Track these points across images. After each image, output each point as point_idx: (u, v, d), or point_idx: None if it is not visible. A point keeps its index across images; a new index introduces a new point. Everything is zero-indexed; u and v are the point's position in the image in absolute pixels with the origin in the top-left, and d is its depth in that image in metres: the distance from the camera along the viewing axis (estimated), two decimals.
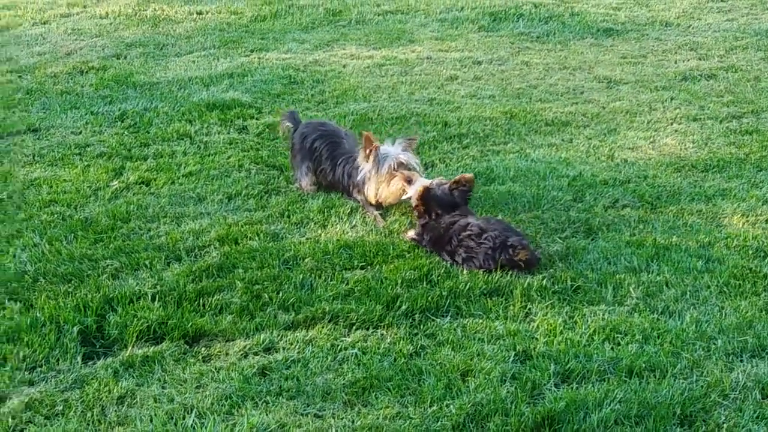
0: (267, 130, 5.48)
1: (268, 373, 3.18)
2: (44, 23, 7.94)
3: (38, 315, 3.46)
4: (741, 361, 3.19)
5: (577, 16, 7.72)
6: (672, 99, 5.84)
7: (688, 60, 6.61)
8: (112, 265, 3.88)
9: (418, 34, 7.44)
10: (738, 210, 4.32)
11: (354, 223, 4.30)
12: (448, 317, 3.50)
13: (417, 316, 3.50)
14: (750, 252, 3.93)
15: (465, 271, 3.81)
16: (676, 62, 6.57)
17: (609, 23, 7.54)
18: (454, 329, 3.42)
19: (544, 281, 3.74)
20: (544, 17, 7.71)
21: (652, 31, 7.37)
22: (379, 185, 4.37)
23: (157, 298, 3.59)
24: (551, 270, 3.83)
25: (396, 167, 4.33)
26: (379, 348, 3.31)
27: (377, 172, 4.36)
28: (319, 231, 4.24)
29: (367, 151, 4.39)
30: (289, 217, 4.39)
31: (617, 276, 3.78)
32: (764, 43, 6.90)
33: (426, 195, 4.14)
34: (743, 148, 5.04)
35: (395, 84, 6.28)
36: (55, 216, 4.36)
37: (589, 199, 4.48)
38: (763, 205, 4.37)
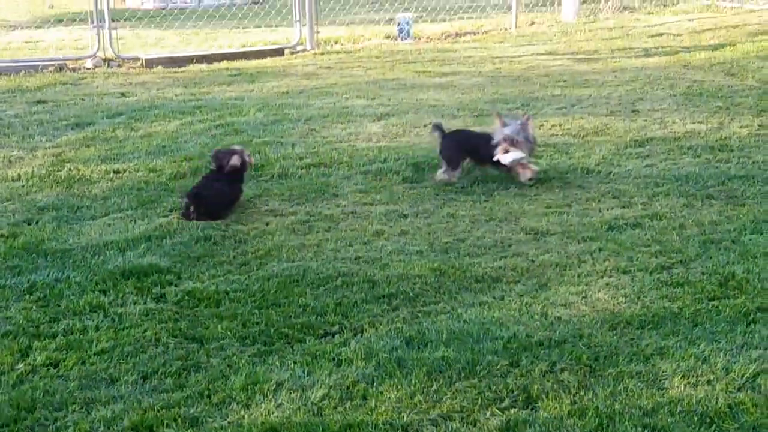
0: (186, 297, 5.23)
1: None
2: None
3: None
4: None
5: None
6: (600, 250, 5.79)
7: (612, 208, 6.62)
8: None
9: (342, 187, 7.35)
10: (678, 371, 4.19)
11: (280, 401, 4.04)
12: None
13: None
14: (695, 419, 3.77)
15: None
16: (600, 211, 6.57)
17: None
18: None
19: None
20: (466, 166, 7.71)
21: (575, 178, 7.42)
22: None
23: None
24: None
25: (503, 141, 7.10)
26: None
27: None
28: (243, 412, 3.96)
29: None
30: (209, 397, 4.11)
31: None
32: (685, 189, 6.98)
33: None
34: (676, 301, 4.96)
35: (320, 241, 6.12)
36: None
37: (525, 363, 4.31)
38: (702, 364, 4.24)
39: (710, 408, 3.84)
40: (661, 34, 16.05)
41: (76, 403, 4.05)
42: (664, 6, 19.88)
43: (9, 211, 6.91)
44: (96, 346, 4.63)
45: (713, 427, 3.71)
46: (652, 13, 19.16)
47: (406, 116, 9.84)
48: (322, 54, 15.29)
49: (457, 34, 17.04)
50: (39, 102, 11.23)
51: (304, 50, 15.72)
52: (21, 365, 4.43)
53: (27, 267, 5.72)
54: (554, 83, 11.69)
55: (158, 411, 3.97)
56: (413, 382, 4.17)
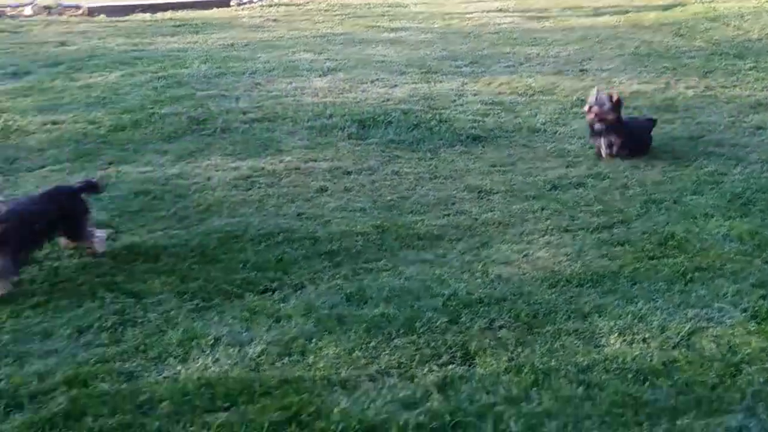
0: (124, 251, 5.14)
1: None
2: None
3: None
4: None
5: (446, 123, 7.72)
6: (543, 209, 5.80)
7: (556, 168, 6.64)
8: None
9: (286, 142, 7.26)
10: (614, 328, 4.23)
11: (217, 356, 4.00)
12: None
13: None
14: (629, 376, 3.81)
15: (336, 410, 3.54)
16: (544, 170, 6.58)
17: (478, 130, 7.56)
18: None
19: (421, 417, 3.52)
20: (412, 124, 7.67)
21: (520, 137, 7.42)
22: None
23: None
24: (428, 404, 3.62)
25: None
26: None
27: None
28: (179, 367, 3.91)
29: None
30: (145, 352, 4.05)
31: (497, 408, 3.59)
32: None
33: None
34: (616, 260, 5.00)
35: (262, 197, 6.04)
36: None
37: (465, 320, 4.32)
38: (638, 322, 4.29)
39: (645, 365, 3.89)
40: None
41: (10, 356, 3.97)
42: None
43: None
44: (31, 299, 4.54)
45: (647, 384, 3.75)
46: None
47: (353, 71, 9.75)
48: (270, 6, 15.06)
49: None
50: None
51: (251, 2, 15.46)
52: None
53: None
54: (504, 41, 11.66)
55: (93, 365, 3.90)
56: (352, 338, 4.15)
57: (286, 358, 4.00)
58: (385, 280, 4.77)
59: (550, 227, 5.51)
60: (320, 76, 9.57)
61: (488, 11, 14.32)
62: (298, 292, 4.68)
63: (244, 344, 4.12)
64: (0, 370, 3.87)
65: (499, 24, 13.11)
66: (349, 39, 11.87)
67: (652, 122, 7.35)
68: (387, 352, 4.03)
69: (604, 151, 6.89)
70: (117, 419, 3.49)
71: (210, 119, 7.82)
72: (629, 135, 6.91)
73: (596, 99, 6.86)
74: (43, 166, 6.64)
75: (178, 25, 12.91)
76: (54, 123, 7.70)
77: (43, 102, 8.39)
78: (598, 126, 6.87)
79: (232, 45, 11.37)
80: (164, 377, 3.83)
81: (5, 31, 12.30)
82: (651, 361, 3.94)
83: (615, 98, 6.86)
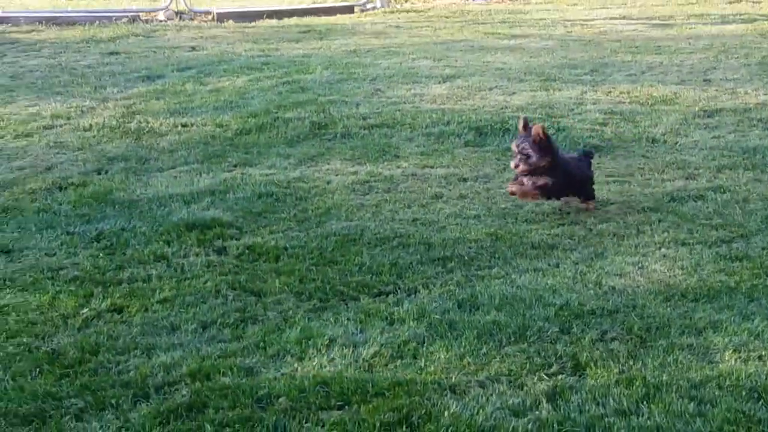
0: (247, 252, 5.36)
1: None
2: (27, 136, 7.88)
3: None
4: None
5: (563, 131, 7.71)
6: (660, 221, 5.75)
7: (676, 179, 6.55)
8: (76, 404, 3.69)
9: (403, 148, 7.40)
10: (730, 345, 4.17)
11: (332, 356, 4.14)
12: None
13: None
14: (743, 393, 3.76)
15: (446, 413, 3.63)
16: (663, 181, 6.51)
17: (596, 139, 7.52)
18: None
19: (530, 425, 3.57)
20: None
21: (639, 148, 7.35)
22: None
23: None
24: (537, 413, 3.66)
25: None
26: None
27: None
28: (296, 365, 4.07)
29: None
30: (265, 349, 4.23)
31: (606, 419, 3.61)
32: (752, 162, 6.86)
33: None
34: (733, 275, 4.92)
35: (379, 202, 6.19)
36: (21, 348, 4.19)
37: (576, 331, 4.34)
38: (755, 339, 4.22)
39: (760, 383, 3.83)
40: (739, 0, 15.65)
41: (138, 348, 4.21)
42: None
43: (80, 161, 7.12)
44: (158, 294, 4.78)
45: (761, 402, 3.70)
46: None
47: (472, 79, 9.81)
48: (392, 12, 15.27)
49: None
50: (112, 53, 11.47)
51: (374, 8, 15.71)
52: (86, 310, 4.60)
53: (95, 215, 5.91)
54: (626, 49, 11.52)
55: (215, 360, 4.10)
56: (463, 343, 4.23)
57: (399, 361, 4.11)
58: (497, 288, 4.83)
59: (666, 240, 5.45)
60: (439, 82, 9.68)
61: (610, 18, 14.15)
62: (412, 296, 4.79)
63: (358, 345, 4.25)
64: (129, 361, 4.10)
65: (620, 31, 12.94)
66: (468, 46, 11.94)
67: (589, 157, 6.23)
68: (497, 359, 4.09)
69: (516, 188, 5.86)
70: (236, 413, 3.66)
71: (331, 124, 8.03)
72: (564, 175, 5.81)
73: (518, 148, 5.73)
74: (173, 167, 6.97)
75: (303, 31, 13.24)
76: (184, 125, 8.06)
77: (174, 105, 8.78)
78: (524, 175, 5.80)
79: (355, 51, 11.60)
80: (282, 374, 3.99)
81: (140, 35, 12.88)
82: (766, 379, 3.88)
83: (539, 136, 5.68)
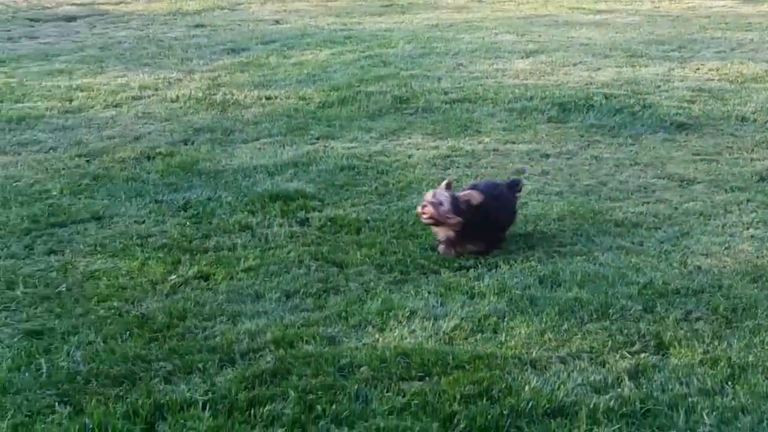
0: (329, 223, 5.42)
1: None
2: (116, 106, 8.09)
3: (87, 421, 3.38)
4: None
5: (649, 108, 7.58)
6: (748, 201, 5.63)
7: (765, 159, 6.40)
8: (165, 367, 3.80)
9: (485, 124, 7.37)
10: None
11: (413, 328, 4.17)
12: None
13: None
14: None
15: (527, 388, 3.63)
16: (752, 161, 6.36)
17: (683, 117, 7.38)
18: None
19: (612, 402, 3.55)
20: (614, 109, 7.58)
21: (727, 126, 7.19)
22: None
23: (208, 407, 3.49)
24: (619, 389, 3.64)
25: None
26: None
27: None
28: (377, 336, 4.12)
29: None
30: (347, 319, 4.28)
31: (689, 399, 3.57)
32: None
33: None
34: None
35: (460, 177, 6.18)
36: (112, 311, 4.32)
37: (660, 310, 4.29)
38: None
39: None
40: None
41: (224, 315, 4.31)
42: None
43: (167, 131, 7.28)
44: (243, 263, 4.87)
45: None
46: None
47: (555, 54, 9.71)
48: None
49: None
50: (198, 26, 11.66)
51: None
52: (174, 277, 4.72)
53: (182, 185, 6.04)
54: (715, 25, 11.24)
55: (298, 328, 4.17)
56: (544, 319, 4.22)
57: (479, 335, 4.12)
58: (579, 265, 4.79)
59: (755, 220, 5.34)
60: (522, 57, 9.60)
61: None
62: (492, 271, 4.79)
63: (438, 318, 4.27)
64: (215, 327, 4.19)
65: (710, 7, 12.63)
66: (552, 21, 11.80)
67: (516, 187, 5.28)
68: (579, 336, 4.07)
69: (442, 249, 5.05)
70: (319, 380, 3.72)
71: (413, 99, 8.04)
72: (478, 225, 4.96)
73: (434, 195, 4.99)
74: (257, 139, 7.07)
75: (386, 5, 13.26)
76: (268, 98, 8.16)
77: (258, 77, 8.90)
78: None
79: (437, 25, 11.56)
80: (363, 344, 4.04)
81: (225, 8, 13.05)
82: None
83: (470, 201, 4.93)
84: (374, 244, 5.12)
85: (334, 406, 3.51)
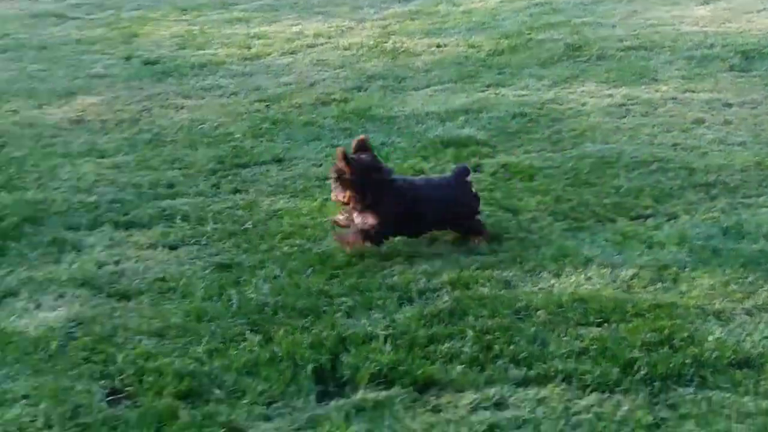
0: (501, 170, 5.42)
1: (497, 431, 3.10)
2: (291, 53, 8.30)
3: (276, 349, 3.55)
4: None
5: None
6: None
7: None
8: (346, 302, 3.94)
9: (662, 72, 7.15)
10: None
11: (589, 275, 4.15)
12: (692, 388, 3.27)
13: (657, 383, 3.30)
14: None
15: (710, 338, 3.55)
16: None
17: None
18: (699, 402, 3.19)
19: None
20: None
21: None
22: None
23: (388, 341, 3.60)
24: None
25: None
26: (615, 415, 3.14)
27: None
28: (553, 281, 4.11)
29: None
30: (521, 263, 4.29)
31: None
32: None
33: None
34: None
35: (636, 126, 6.04)
36: (295, 248, 4.49)
37: None
38: None
39: None
40: None
41: (401, 256, 4.40)
42: None
43: (341, 78, 7.43)
44: None
45: None
46: None
47: (736, 1, 9.26)
48: None
49: None
50: None
51: None
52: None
53: (357, 130, 6.15)
54: None
55: (473, 271, 4.21)
56: (727, 271, 4.10)
57: (659, 284, 4.05)
58: (765, 217, 4.62)
59: None
60: (701, 4, 9.24)
61: None
62: (672, 221, 4.68)
63: (616, 266, 4.22)
64: (393, 267, 4.29)
65: None
66: None
67: (463, 175, 4.59)
68: (765, 288, 3.94)
69: (351, 237, 4.46)
70: (495, 321, 3.76)
71: (586, 46, 7.88)
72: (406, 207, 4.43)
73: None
74: (428, 86, 7.12)
75: None
76: (438, 46, 8.18)
77: (428, 26, 8.93)
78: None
79: None
80: (539, 288, 4.05)
81: None
82: None
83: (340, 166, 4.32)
84: (548, 191, 5.09)
85: (511, 347, 3.55)
